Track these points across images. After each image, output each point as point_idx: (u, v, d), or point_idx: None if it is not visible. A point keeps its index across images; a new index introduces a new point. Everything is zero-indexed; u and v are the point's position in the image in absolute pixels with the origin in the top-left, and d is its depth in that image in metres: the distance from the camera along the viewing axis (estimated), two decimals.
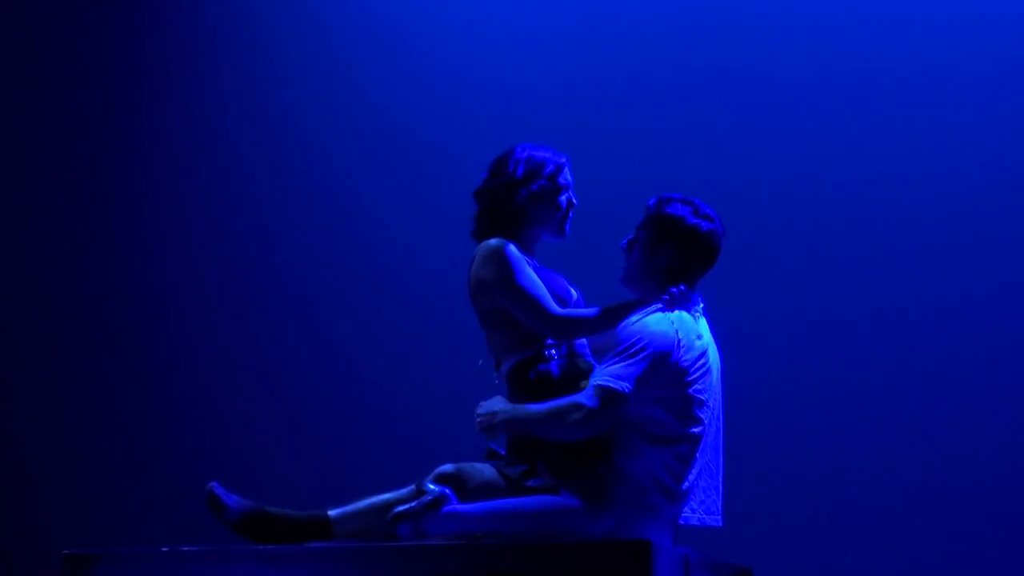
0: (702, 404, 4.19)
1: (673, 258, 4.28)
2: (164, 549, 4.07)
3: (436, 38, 6.90)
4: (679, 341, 4.16)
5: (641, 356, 4.11)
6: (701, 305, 4.33)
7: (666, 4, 6.66)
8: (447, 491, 4.10)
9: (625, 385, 4.08)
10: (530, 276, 4.32)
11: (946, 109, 6.32)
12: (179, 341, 6.96)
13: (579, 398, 4.10)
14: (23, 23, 7.30)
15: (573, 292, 4.49)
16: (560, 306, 4.35)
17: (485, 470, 4.22)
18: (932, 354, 6.18)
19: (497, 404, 4.24)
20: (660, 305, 4.23)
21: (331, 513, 4.21)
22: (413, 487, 4.18)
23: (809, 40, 6.48)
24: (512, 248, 4.35)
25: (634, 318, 4.21)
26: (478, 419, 4.23)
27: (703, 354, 4.22)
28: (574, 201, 4.49)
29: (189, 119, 7.13)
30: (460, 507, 4.10)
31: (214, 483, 4.26)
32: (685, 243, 4.28)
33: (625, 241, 4.36)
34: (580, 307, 4.45)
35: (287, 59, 7.07)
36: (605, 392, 4.07)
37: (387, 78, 6.93)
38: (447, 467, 4.19)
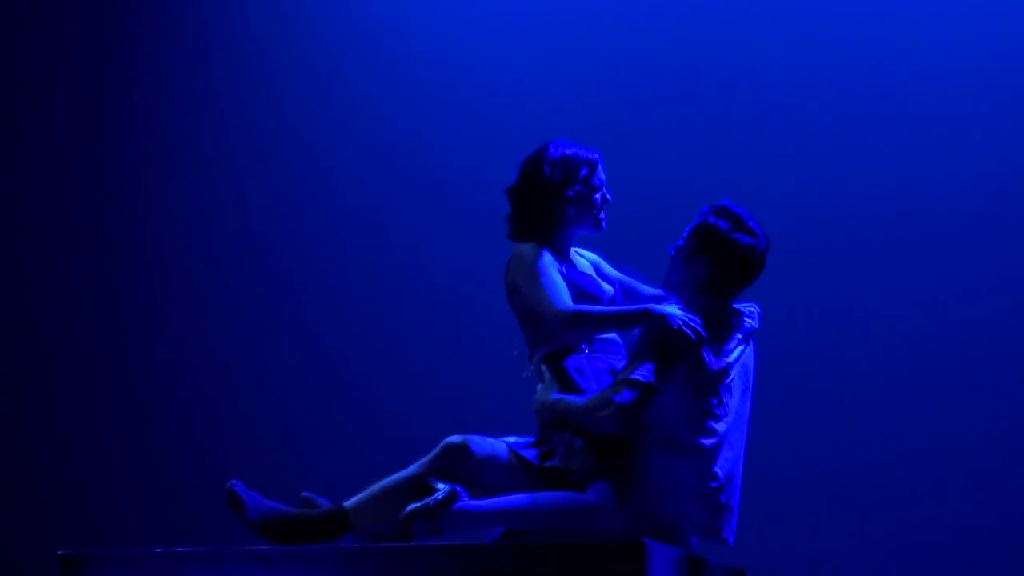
0: (719, 417, 4.18)
1: (708, 271, 4.26)
2: (159, 550, 4.08)
3: (434, 37, 6.91)
4: (705, 348, 4.17)
5: (668, 354, 4.11)
6: (755, 312, 4.33)
7: (668, 4, 6.68)
8: (458, 488, 4.09)
9: (653, 380, 4.08)
10: (552, 278, 4.31)
11: (952, 110, 6.33)
12: (175, 341, 6.96)
13: (609, 393, 4.10)
14: (14, 25, 7.30)
15: (607, 287, 4.50)
16: (589, 300, 4.38)
17: (496, 444, 4.22)
18: (923, 355, 6.18)
19: (547, 393, 4.26)
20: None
21: (347, 504, 4.20)
22: (421, 464, 4.17)
23: (822, 40, 6.50)
24: (539, 252, 4.35)
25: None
26: (535, 405, 4.27)
27: (730, 366, 4.22)
28: (608, 198, 4.50)
29: (182, 119, 7.13)
30: (473, 503, 4.10)
31: (235, 481, 4.24)
32: (720, 256, 4.24)
33: (672, 248, 4.33)
34: (617, 303, 4.47)
35: (282, 58, 7.08)
36: (634, 386, 4.08)
37: (383, 78, 6.94)
38: (455, 438, 4.19)
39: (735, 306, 4.32)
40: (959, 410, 6.13)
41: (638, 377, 4.09)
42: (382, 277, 6.79)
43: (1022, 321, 6.19)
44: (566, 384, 4.27)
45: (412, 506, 4.09)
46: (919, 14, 6.43)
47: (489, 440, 4.22)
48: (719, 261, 4.24)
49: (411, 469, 4.20)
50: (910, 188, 6.33)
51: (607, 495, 4.10)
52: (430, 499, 4.08)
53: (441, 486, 4.09)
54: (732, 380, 4.22)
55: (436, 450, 4.18)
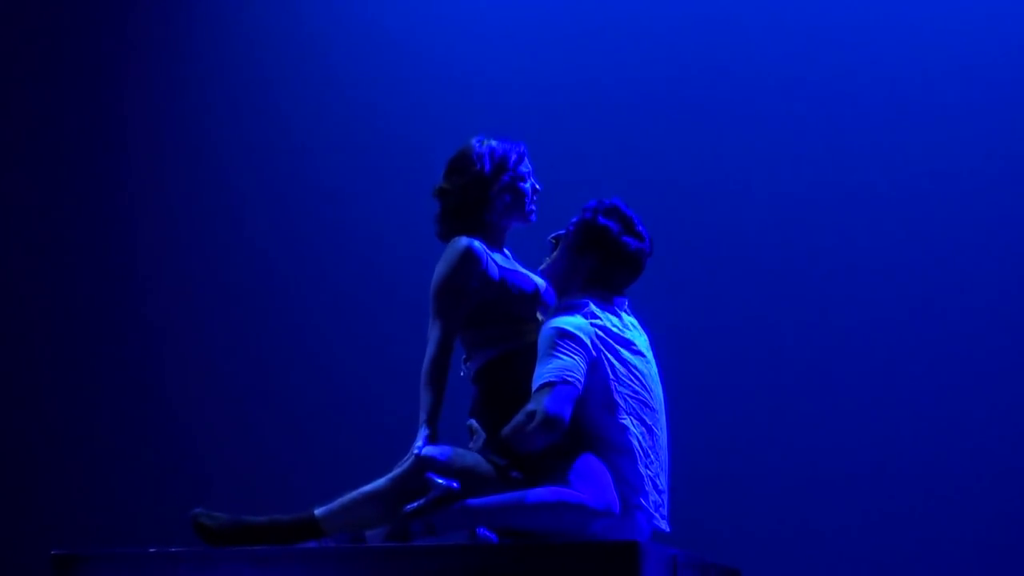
0: (645, 404, 4.21)
1: (595, 267, 4.35)
2: (152, 550, 4.07)
3: (423, 39, 6.91)
4: (603, 339, 4.19)
5: (574, 349, 4.13)
6: (626, 304, 4.37)
7: (649, 5, 6.69)
8: (455, 484, 4.06)
9: (572, 376, 4.08)
10: (461, 299, 4.28)
11: (923, 116, 6.34)
12: (168, 343, 6.96)
13: (530, 405, 4.09)
14: (5, 25, 7.29)
15: (539, 281, 4.45)
16: (525, 298, 4.35)
17: (470, 455, 4.18)
18: (917, 356, 6.19)
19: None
20: (577, 308, 4.25)
21: (317, 512, 4.18)
22: (392, 476, 4.14)
23: (791, 44, 6.50)
24: (478, 250, 4.31)
25: (555, 320, 4.22)
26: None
27: (636, 354, 4.25)
28: (538, 187, 4.50)
29: (175, 121, 7.13)
30: (468, 501, 4.06)
31: (197, 509, 4.21)
32: (608, 256, 4.35)
33: (553, 235, 4.42)
34: (549, 295, 4.44)
35: (274, 60, 7.07)
36: (549, 388, 4.07)
37: (377, 79, 6.94)
38: (429, 450, 4.14)
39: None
40: (956, 409, 6.14)
41: (551, 378, 4.09)
42: (378, 278, 6.79)
43: (1017, 319, 6.20)
44: (512, 392, 4.23)
45: (409, 506, 4.05)
46: (906, 15, 6.44)
47: (461, 451, 4.18)
48: (607, 259, 4.34)
49: (382, 482, 4.15)
50: (903, 188, 6.34)
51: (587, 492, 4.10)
52: (426, 498, 4.06)
53: (439, 481, 4.07)
54: (642, 364, 4.25)
55: (408, 463, 4.12)
